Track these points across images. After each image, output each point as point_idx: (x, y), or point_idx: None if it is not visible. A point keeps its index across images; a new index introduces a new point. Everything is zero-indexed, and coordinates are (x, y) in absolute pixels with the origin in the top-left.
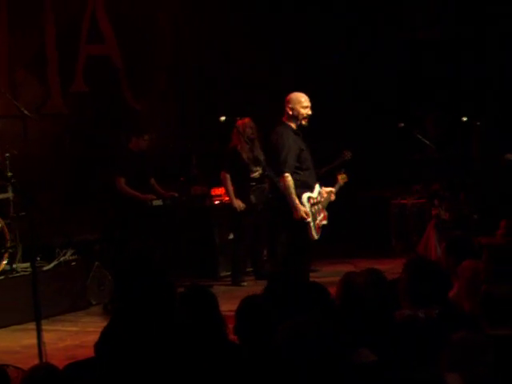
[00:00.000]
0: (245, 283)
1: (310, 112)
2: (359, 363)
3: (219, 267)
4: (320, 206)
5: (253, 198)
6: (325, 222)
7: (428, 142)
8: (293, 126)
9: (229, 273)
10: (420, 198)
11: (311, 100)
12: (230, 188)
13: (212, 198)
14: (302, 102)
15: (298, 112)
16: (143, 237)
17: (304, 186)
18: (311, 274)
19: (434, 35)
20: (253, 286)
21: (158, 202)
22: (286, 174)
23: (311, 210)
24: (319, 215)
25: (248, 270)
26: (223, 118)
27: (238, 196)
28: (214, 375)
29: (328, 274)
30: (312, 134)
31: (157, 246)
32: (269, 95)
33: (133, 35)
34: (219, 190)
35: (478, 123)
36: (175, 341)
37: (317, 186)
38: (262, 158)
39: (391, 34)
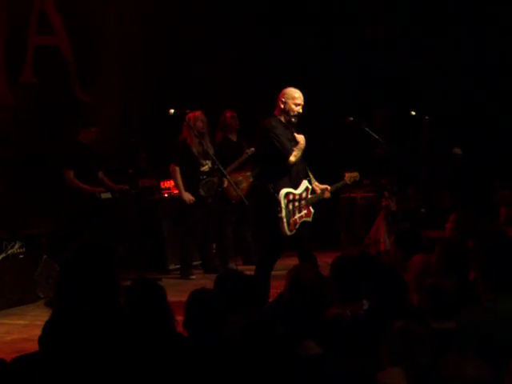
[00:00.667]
0: (193, 276)
1: (300, 110)
2: (305, 356)
3: (168, 260)
4: (303, 202)
5: (202, 191)
6: (307, 219)
7: (377, 137)
8: (282, 119)
9: (177, 266)
10: (369, 192)
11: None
12: (180, 181)
13: (161, 190)
14: (295, 99)
15: (290, 107)
16: (92, 230)
17: (287, 181)
18: None
19: (382, 33)
20: (201, 280)
21: (106, 195)
22: (291, 159)
23: (288, 206)
24: (299, 212)
25: (196, 263)
26: (172, 111)
27: (187, 189)
28: (161, 368)
29: (277, 268)
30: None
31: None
32: (220, 89)
33: (81, 28)
34: (168, 183)
35: (427, 117)
36: (121, 334)
37: (304, 182)
38: (211, 151)
39: (343, 31)
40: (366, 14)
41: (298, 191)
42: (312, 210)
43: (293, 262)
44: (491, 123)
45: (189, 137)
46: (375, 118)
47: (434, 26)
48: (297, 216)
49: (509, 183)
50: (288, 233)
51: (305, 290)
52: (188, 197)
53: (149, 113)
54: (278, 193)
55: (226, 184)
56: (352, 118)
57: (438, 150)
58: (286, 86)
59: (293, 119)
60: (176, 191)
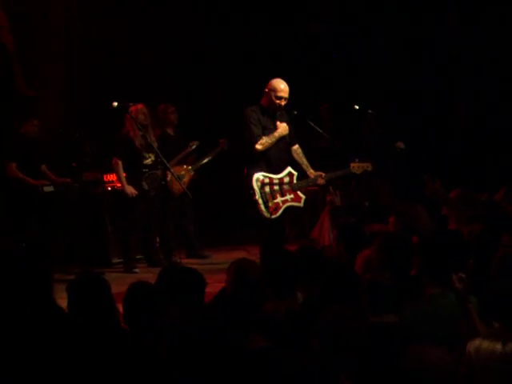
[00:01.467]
0: (137, 270)
1: (282, 103)
2: (251, 349)
3: (111, 254)
4: (286, 186)
5: (145, 184)
6: (295, 204)
7: (321, 131)
8: (264, 105)
9: (121, 259)
10: (313, 186)
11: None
12: (122, 174)
13: (104, 184)
14: (277, 91)
15: (271, 99)
16: (34, 223)
17: (263, 166)
18: (203, 261)
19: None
20: (145, 273)
21: (49, 189)
22: (257, 147)
23: (262, 190)
24: (282, 195)
25: (140, 256)
26: (116, 104)
27: (130, 182)
28: (105, 362)
29: (221, 262)
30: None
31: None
32: (163, 82)
33: (25, 22)
34: (112, 177)
35: (370, 111)
36: (65, 328)
37: (287, 168)
38: (155, 144)
39: (284, 27)
40: (310, 10)
41: (279, 176)
42: (301, 196)
43: (239, 254)
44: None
45: (131, 130)
46: (321, 112)
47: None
48: (279, 200)
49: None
50: (267, 215)
51: (249, 284)
52: (130, 190)
53: (93, 105)
54: (252, 177)
55: (169, 177)
56: (296, 112)
57: (381, 143)
58: (227, 80)
59: (275, 111)
60: (119, 184)
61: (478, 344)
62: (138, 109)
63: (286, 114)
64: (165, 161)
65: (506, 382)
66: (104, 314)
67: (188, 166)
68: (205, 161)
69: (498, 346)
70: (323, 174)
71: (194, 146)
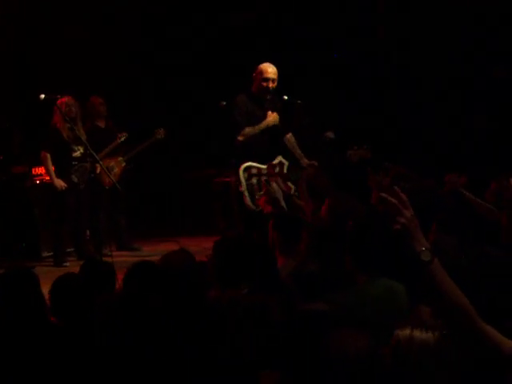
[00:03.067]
0: (67, 264)
1: (270, 85)
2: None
3: (41, 248)
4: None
5: (74, 177)
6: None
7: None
8: (253, 91)
9: (51, 253)
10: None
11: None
12: (50, 167)
13: (33, 177)
14: (263, 73)
15: (258, 83)
16: None
17: (251, 156)
18: (134, 253)
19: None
20: (75, 267)
21: None
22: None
23: (249, 182)
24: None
25: (70, 250)
26: (43, 96)
27: (58, 175)
28: (35, 357)
29: (151, 254)
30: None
31: None
32: (92, 72)
33: None
34: (40, 170)
35: (299, 102)
36: None
37: (277, 158)
38: (83, 137)
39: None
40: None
41: (265, 166)
42: (291, 186)
43: (169, 246)
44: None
45: (59, 122)
46: None
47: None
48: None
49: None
50: (253, 207)
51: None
52: (59, 183)
53: (21, 97)
54: (239, 168)
55: (98, 170)
56: (225, 103)
57: (310, 133)
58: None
59: (264, 95)
60: (48, 178)
61: (410, 334)
62: (65, 101)
63: (277, 100)
64: (94, 153)
65: (438, 371)
66: (33, 308)
67: (119, 157)
68: (136, 151)
69: (430, 336)
70: (316, 163)
71: (122, 138)
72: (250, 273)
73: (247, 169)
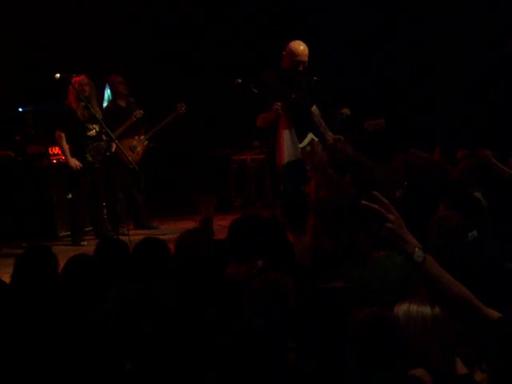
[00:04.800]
0: (85, 243)
1: (301, 68)
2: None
3: (58, 227)
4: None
5: (89, 156)
6: None
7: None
8: (284, 69)
9: (68, 233)
10: (259, 154)
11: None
12: (65, 147)
13: (49, 157)
14: (295, 55)
15: (290, 63)
16: None
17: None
18: (151, 232)
19: None
20: (93, 246)
21: None
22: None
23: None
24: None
25: (87, 229)
26: (58, 75)
27: (73, 155)
28: (48, 333)
29: (168, 232)
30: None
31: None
32: (108, 51)
33: None
34: (56, 149)
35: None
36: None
37: (309, 136)
38: (99, 115)
39: None
40: None
41: (301, 144)
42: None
43: (186, 225)
44: None
45: (74, 101)
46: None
47: None
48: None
49: None
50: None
51: (193, 255)
52: (75, 163)
53: (37, 77)
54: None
55: (113, 148)
56: (240, 80)
57: (327, 111)
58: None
59: (294, 76)
60: (64, 157)
61: (407, 308)
62: (80, 80)
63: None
64: (109, 131)
65: (436, 344)
66: (52, 287)
67: (141, 136)
68: (158, 128)
69: (428, 310)
70: (342, 138)
71: (138, 116)
72: (264, 249)
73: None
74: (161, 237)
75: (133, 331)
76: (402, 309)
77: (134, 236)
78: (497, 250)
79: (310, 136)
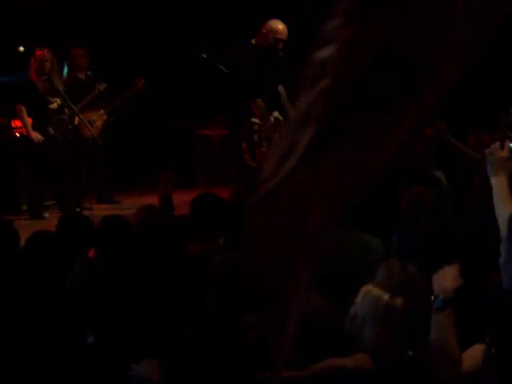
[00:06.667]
0: (46, 214)
1: (280, 46)
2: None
3: (21, 201)
4: (271, 133)
5: (51, 129)
6: None
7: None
8: (261, 47)
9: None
10: (224, 129)
11: None
12: (26, 120)
13: (13, 130)
14: (276, 33)
15: (268, 41)
16: None
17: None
18: (114, 206)
19: None
20: (56, 219)
21: None
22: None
23: (251, 138)
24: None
25: (50, 203)
26: (22, 48)
27: (35, 128)
28: (18, 314)
29: (131, 207)
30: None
31: None
32: (70, 25)
33: None
34: (19, 122)
35: (281, 54)
36: None
37: (274, 113)
38: (61, 88)
39: None
40: None
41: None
42: None
43: (149, 200)
44: None
45: (35, 75)
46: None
47: None
48: (265, 149)
49: None
50: (254, 164)
51: (156, 228)
52: (36, 136)
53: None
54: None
55: (76, 121)
56: (205, 56)
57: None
58: None
59: (273, 55)
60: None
61: (368, 289)
62: (42, 53)
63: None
64: (72, 105)
65: (382, 331)
66: (11, 262)
67: (100, 110)
68: (117, 103)
69: (385, 297)
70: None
71: (101, 89)
72: (226, 227)
73: (251, 124)
74: (124, 212)
75: (95, 307)
76: (363, 288)
77: (97, 210)
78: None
79: (276, 114)
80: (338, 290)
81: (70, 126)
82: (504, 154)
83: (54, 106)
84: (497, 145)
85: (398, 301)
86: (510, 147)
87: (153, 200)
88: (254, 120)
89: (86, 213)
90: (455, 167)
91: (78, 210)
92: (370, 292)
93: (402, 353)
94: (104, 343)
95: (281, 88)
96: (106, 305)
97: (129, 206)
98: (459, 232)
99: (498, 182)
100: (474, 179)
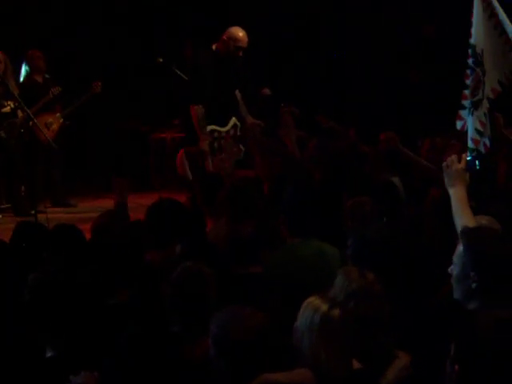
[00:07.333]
0: (0, 216)
1: (240, 54)
2: (114, 303)
3: None
4: (231, 141)
5: (3, 133)
6: (236, 158)
7: (186, 77)
8: (220, 53)
9: None
10: (179, 132)
11: None
12: None
13: None
14: (236, 41)
15: (228, 48)
16: None
17: (210, 116)
18: (69, 209)
19: None
20: (10, 223)
21: None
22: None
23: (212, 146)
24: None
25: (4, 206)
26: None
27: None
28: None
29: (86, 210)
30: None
31: None
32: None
33: None
34: None
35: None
36: None
37: (232, 119)
38: (15, 91)
39: None
40: None
41: (225, 129)
42: (242, 148)
43: (105, 203)
44: None
45: None
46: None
47: None
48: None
49: None
50: (212, 170)
51: (111, 236)
52: None
53: None
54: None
55: (30, 125)
56: (161, 60)
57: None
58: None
59: (232, 62)
60: None
61: (310, 301)
62: None
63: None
64: (26, 108)
65: (318, 344)
66: None
67: (56, 113)
68: (74, 107)
69: (324, 308)
70: (262, 124)
71: (55, 93)
72: (182, 234)
73: (211, 132)
74: (79, 215)
75: (51, 317)
76: (306, 300)
77: (51, 214)
78: (408, 235)
79: (234, 120)
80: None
81: (23, 130)
82: (461, 166)
83: (7, 109)
84: (454, 157)
85: (336, 312)
86: (466, 160)
87: (108, 203)
88: (215, 128)
89: (41, 216)
90: (410, 174)
91: (33, 212)
92: (310, 303)
93: (346, 366)
94: (63, 356)
95: (237, 93)
96: (62, 314)
97: (84, 208)
98: (414, 239)
99: (455, 193)
100: (431, 189)
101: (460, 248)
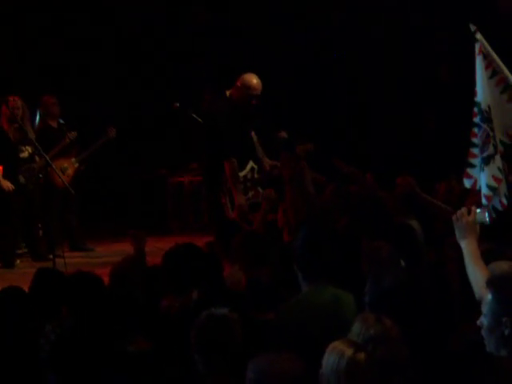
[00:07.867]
0: (18, 261)
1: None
2: (133, 352)
3: None
4: (249, 184)
5: (21, 178)
6: (255, 201)
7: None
8: (235, 101)
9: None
10: (197, 176)
11: None
12: None
13: None
14: (250, 89)
15: (242, 96)
16: None
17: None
18: (87, 254)
19: None
20: (28, 268)
21: None
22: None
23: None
24: (245, 194)
25: (21, 251)
26: None
27: (6, 177)
28: None
29: (104, 254)
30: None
31: None
32: (41, 71)
33: None
34: None
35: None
36: None
37: (249, 163)
38: (32, 136)
39: None
40: None
41: (243, 173)
42: (260, 191)
43: (122, 247)
44: None
45: (6, 123)
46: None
47: None
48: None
49: None
50: (232, 217)
51: (129, 284)
52: (6, 184)
53: None
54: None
55: (48, 170)
56: (178, 104)
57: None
58: None
59: (247, 110)
60: None
61: (334, 345)
62: (12, 101)
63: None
64: (43, 153)
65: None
66: None
67: (72, 158)
68: (89, 152)
69: (349, 352)
70: (278, 164)
71: (72, 138)
72: (199, 280)
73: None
74: (96, 259)
75: (66, 365)
76: (330, 345)
77: (69, 258)
78: (427, 280)
79: (251, 164)
80: (314, 348)
81: (41, 175)
82: (471, 218)
83: (25, 154)
84: (464, 210)
85: (361, 355)
86: (476, 212)
87: (125, 246)
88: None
89: (59, 260)
90: (428, 218)
91: (51, 257)
92: (335, 348)
93: None
94: None
95: (253, 135)
96: (81, 368)
97: (101, 253)
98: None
99: (467, 246)
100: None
101: (488, 297)
